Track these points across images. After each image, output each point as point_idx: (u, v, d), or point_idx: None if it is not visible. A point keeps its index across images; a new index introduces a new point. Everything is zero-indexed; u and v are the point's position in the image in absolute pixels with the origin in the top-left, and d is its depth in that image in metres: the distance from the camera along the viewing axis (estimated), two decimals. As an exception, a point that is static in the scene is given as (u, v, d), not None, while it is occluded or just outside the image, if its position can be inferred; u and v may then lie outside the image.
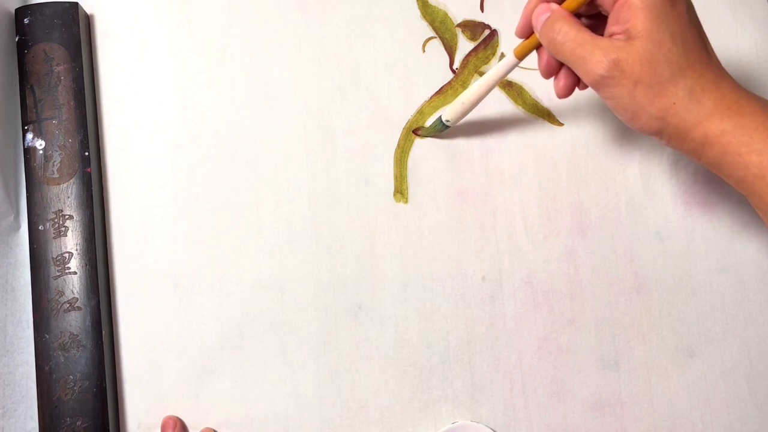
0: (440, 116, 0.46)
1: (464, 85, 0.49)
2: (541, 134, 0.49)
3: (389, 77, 0.49)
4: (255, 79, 0.49)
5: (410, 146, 0.48)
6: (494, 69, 0.42)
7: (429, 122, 0.49)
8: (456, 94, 0.49)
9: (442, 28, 0.50)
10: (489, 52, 0.50)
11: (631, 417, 0.46)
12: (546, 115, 0.49)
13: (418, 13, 0.50)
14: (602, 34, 0.37)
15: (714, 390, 0.47)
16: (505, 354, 0.47)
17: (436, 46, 0.50)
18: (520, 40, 0.41)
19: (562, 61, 0.38)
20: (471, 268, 0.47)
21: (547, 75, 0.40)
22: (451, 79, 0.49)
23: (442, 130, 0.47)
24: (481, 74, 0.49)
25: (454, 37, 0.50)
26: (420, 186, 0.48)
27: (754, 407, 0.47)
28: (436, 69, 0.49)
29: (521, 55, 0.40)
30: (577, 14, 0.38)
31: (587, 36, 0.36)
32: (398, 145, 0.49)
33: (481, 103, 0.49)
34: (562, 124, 0.49)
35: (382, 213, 0.48)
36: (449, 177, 0.48)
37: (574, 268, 0.48)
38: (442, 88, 0.49)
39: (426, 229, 0.48)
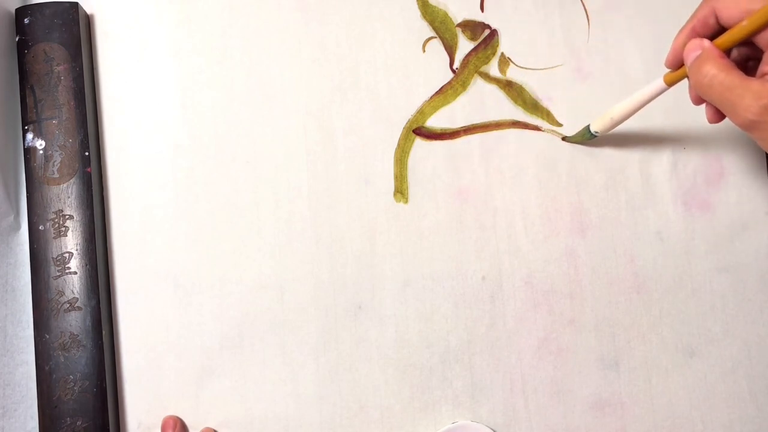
0: (588, 125, 0.46)
1: (464, 85, 0.49)
2: (541, 134, 0.49)
3: (389, 77, 0.49)
4: (255, 79, 0.49)
5: (410, 146, 0.48)
6: (644, 90, 0.42)
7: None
8: (456, 94, 0.49)
9: (442, 28, 0.50)
10: (489, 51, 0.50)
11: (631, 417, 0.46)
12: (546, 115, 0.49)
13: (418, 13, 0.50)
14: (756, 68, 0.36)
15: (714, 390, 0.47)
16: (505, 354, 0.47)
17: (436, 46, 0.50)
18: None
19: (710, 102, 0.37)
20: (471, 268, 0.47)
21: (697, 103, 0.40)
22: (451, 79, 0.49)
23: (589, 138, 0.47)
24: (481, 74, 0.49)
25: (454, 37, 0.50)
26: (420, 186, 0.48)
27: (754, 407, 0.47)
28: (436, 69, 0.49)
29: (671, 83, 0.40)
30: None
31: (736, 80, 0.35)
32: (398, 145, 0.49)
33: (480, 103, 0.49)
34: (561, 124, 0.49)
35: (382, 213, 0.48)
36: (449, 177, 0.48)
37: (574, 268, 0.48)
38: (442, 88, 0.49)
39: (426, 229, 0.48)
